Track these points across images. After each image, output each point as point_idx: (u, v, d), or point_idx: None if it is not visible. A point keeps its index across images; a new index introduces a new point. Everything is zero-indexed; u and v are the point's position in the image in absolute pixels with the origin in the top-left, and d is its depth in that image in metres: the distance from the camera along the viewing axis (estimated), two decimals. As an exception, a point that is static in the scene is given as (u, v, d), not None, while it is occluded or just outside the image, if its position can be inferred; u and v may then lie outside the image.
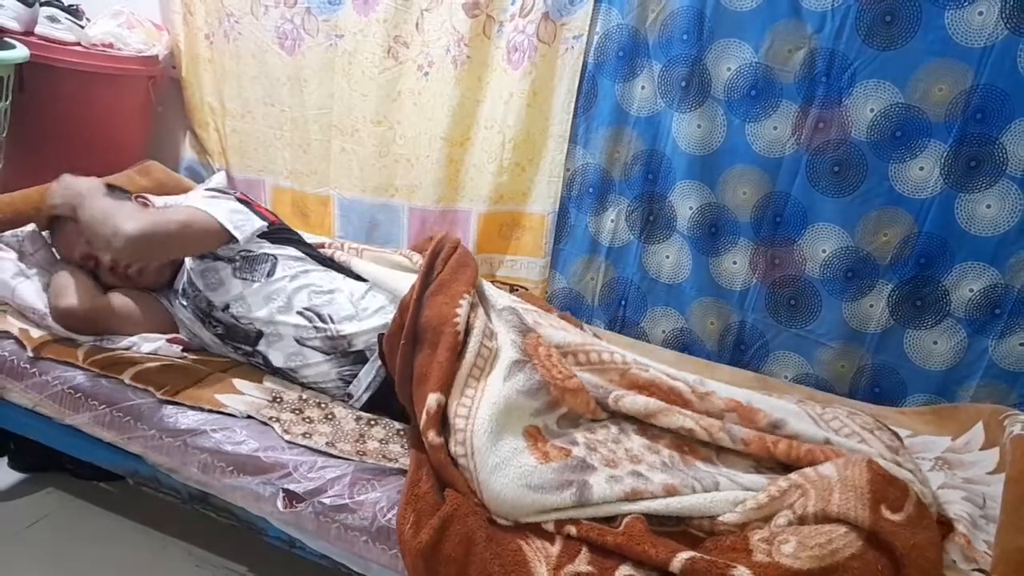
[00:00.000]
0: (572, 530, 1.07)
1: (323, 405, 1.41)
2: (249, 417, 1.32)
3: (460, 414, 1.18)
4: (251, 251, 1.51)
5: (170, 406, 1.33)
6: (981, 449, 1.39)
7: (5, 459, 1.74)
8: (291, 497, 1.20)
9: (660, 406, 1.23)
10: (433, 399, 1.18)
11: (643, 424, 1.25)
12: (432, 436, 1.16)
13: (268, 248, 1.53)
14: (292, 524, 1.23)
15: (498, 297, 1.44)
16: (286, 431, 1.29)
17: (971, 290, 1.60)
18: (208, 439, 1.27)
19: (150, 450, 1.31)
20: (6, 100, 1.79)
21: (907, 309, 1.67)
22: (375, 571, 1.20)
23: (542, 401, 1.20)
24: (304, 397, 1.42)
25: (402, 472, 1.22)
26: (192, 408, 1.32)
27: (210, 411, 1.32)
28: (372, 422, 1.38)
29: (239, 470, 1.25)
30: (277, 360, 1.47)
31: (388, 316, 1.44)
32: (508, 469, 1.11)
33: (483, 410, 1.17)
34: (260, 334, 1.48)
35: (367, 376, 1.43)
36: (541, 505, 1.09)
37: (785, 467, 1.18)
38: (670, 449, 1.21)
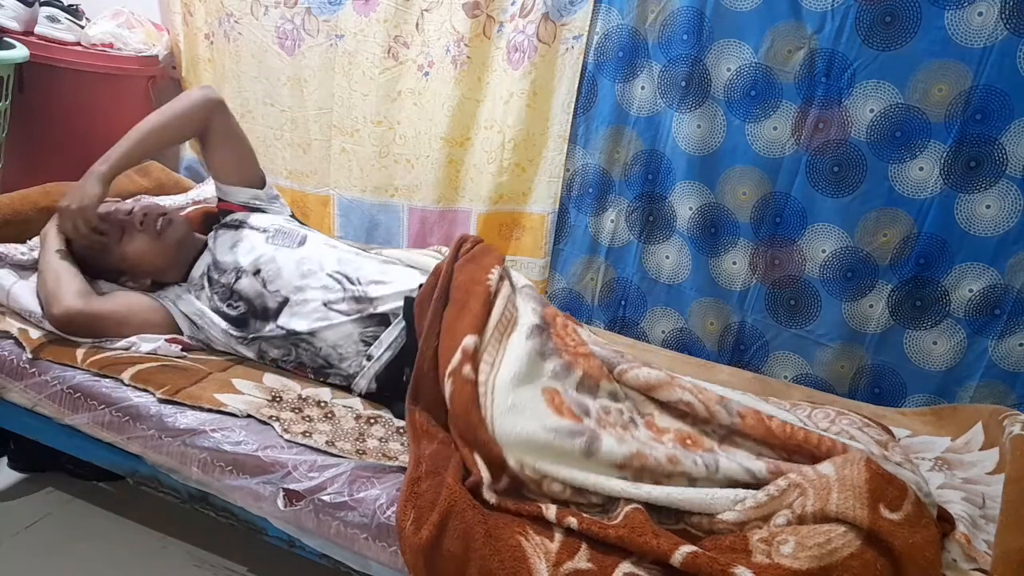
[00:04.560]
0: (573, 522, 1.07)
1: (323, 404, 1.41)
2: (249, 416, 1.32)
3: (486, 360, 1.23)
4: (283, 226, 1.63)
5: (169, 406, 1.32)
6: (981, 449, 1.39)
7: (5, 459, 1.74)
8: (291, 495, 1.20)
9: (661, 380, 1.25)
10: (470, 340, 1.24)
11: (649, 420, 1.26)
12: (467, 370, 1.20)
13: (298, 227, 1.66)
14: (292, 523, 1.22)
15: (519, 279, 1.50)
16: (286, 430, 1.29)
17: (971, 290, 1.60)
18: (207, 439, 1.27)
19: (149, 450, 1.31)
20: (6, 100, 1.79)
21: (907, 309, 1.67)
22: (375, 569, 1.19)
23: (556, 363, 1.25)
24: (304, 396, 1.42)
25: (402, 470, 1.22)
26: (191, 408, 1.32)
27: (209, 411, 1.32)
28: (372, 420, 1.38)
29: (239, 469, 1.24)
30: (300, 326, 1.47)
31: (414, 282, 1.50)
32: (524, 411, 1.16)
33: (506, 363, 1.22)
34: (285, 301, 1.49)
35: (389, 337, 1.45)
36: (551, 446, 1.12)
37: (784, 456, 1.18)
38: (674, 441, 1.22)
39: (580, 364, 1.26)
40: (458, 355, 1.22)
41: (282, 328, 1.49)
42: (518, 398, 1.17)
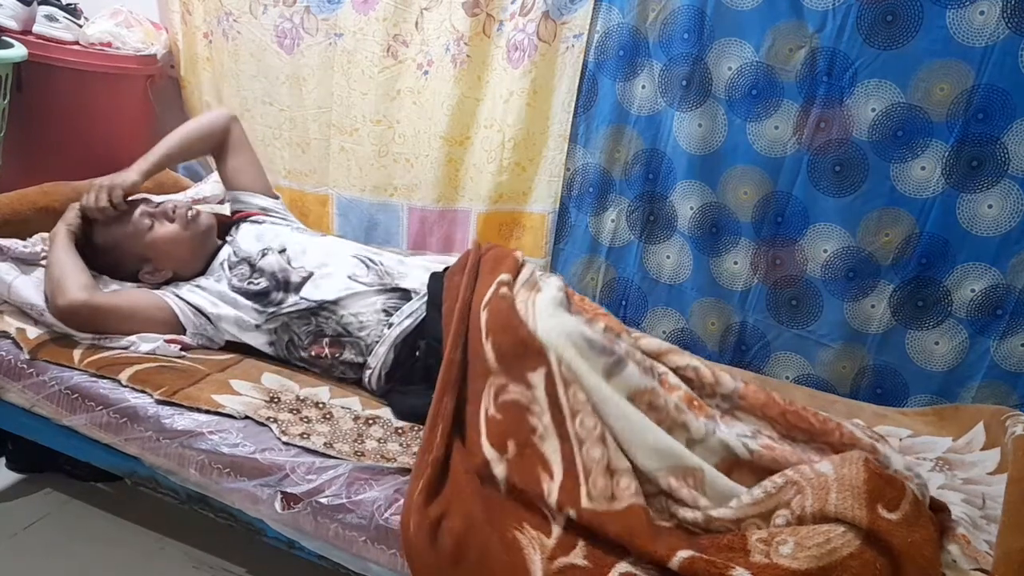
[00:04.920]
0: (572, 513, 1.07)
1: (321, 405, 1.40)
2: (247, 418, 1.31)
3: (521, 294, 1.32)
4: (303, 227, 1.82)
5: (167, 407, 1.32)
6: (982, 449, 1.39)
7: (3, 460, 1.74)
8: (288, 498, 1.20)
9: (672, 347, 1.34)
10: (505, 276, 1.35)
11: (663, 378, 1.30)
12: (504, 291, 1.30)
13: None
14: (290, 525, 1.22)
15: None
16: (283, 432, 1.28)
17: (973, 290, 1.60)
18: (205, 441, 1.27)
19: (147, 452, 1.31)
20: (4, 99, 1.78)
21: (908, 309, 1.67)
22: (375, 571, 1.19)
23: (581, 318, 1.30)
24: (302, 397, 1.42)
25: (400, 472, 1.22)
26: (189, 409, 1.31)
27: (207, 412, 1.31)
28: (370, 421, 1.37)
29: (236, 472, 1.24)
30: (327, 294, 1.53)
31: (431, 270, 1.59)
32: (566, 317, 1.25)
33: (541, 296, 1.31)
34: (309, 276, 1.56)
35: (411, 307, 1.51)
36: (585, 352, 1.18)
37: (783, 432, 1.22)
38: (680, 400, 1.24)
39: (601, 320, 1.33)
40: (493, 287, 1.32)
41: (306, 299, 1.53)
42: (558, 310, 1.26)
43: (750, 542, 1.03)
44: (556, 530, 1.08)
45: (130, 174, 1.62)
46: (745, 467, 1.14)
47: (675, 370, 1.30)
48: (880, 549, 0.98)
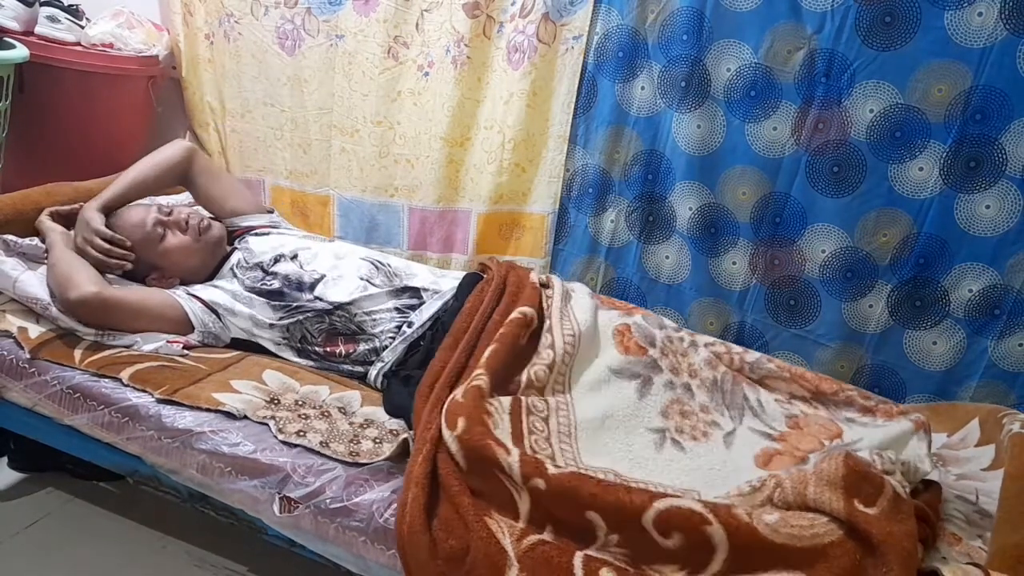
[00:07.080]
0: (541, 483, 1.07)
1: (318, 406, 1.41)
2: (245, 417, 1.32)
3: (555, 309, 1.46)
4: (309, 235, 1.88)
5: (168, 406, 1.33)
6: (977, 446, 1.40)
7: (5, 459, 1.74)
8: (287, 501, 1.20)
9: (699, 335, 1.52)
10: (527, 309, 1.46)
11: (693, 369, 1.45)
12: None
13: None
14: (290, 526, 1.23)
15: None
16: (280, 429, 1.29)
17: (970, 291, 1.60)
18: (206, 440, 1.27)
19: (149, 451, 1.31)
20: (6, 100, 1.79)
21: (906, 309, 1.67)
22: (374, 570, 1.20)
23: (615, 312, 1.47)
24: (301, 399, 1.42)
25: (397, 473, 1.22)
26: (190, 408, 1.32)
27: (208, 410, 1.32)
28: (365, 424, 1.38)
29: (237, 471, 1.25)
30: (339, 296, 1.56)
31: (438, 273, 1.72)
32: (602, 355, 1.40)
33: (579, 315, 1.45)
34: (322, 277, 1.60)
35: (429, 309, 1.56)
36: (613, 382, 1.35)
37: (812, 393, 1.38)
38: (726, 367, 1.42)
39: (638, 310, 1.50)
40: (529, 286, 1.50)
41: (319, 299, 1.56)
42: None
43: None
44: (524, 509, 1.09)
45: (89, 214, 1.59)
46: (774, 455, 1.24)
47: (706, 346, 1.46)
48: (861, 541, 1.00)
